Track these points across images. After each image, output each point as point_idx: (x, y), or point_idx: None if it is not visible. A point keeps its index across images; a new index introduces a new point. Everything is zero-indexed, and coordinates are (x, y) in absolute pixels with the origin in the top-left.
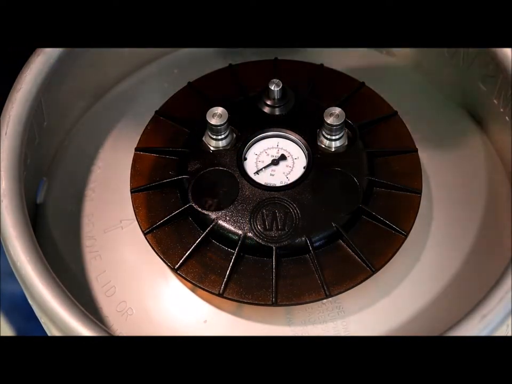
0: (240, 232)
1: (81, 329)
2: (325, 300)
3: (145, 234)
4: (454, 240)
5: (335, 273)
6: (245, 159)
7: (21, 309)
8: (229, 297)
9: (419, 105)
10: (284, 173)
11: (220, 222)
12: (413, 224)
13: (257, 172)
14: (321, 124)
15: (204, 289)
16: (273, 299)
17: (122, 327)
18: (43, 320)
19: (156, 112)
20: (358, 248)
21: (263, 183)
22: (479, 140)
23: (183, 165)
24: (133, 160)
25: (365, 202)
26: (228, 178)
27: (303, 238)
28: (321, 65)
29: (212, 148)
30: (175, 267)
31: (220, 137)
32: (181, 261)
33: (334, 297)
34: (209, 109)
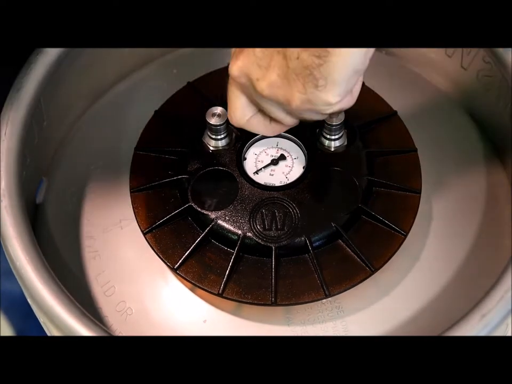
0: (239, 232)
1: (81, 329)
2: (324, 300)
3: (144, 234)
4: (453, 240)
5: (335, 273)
6: (245, 158)
7: (20, 307)
8: (229, 297)
9: (418, 105)
10: (283, 172)
11: (219, 221)
12: (412, 224)
13: (256, 172)
14: (321, 123)
15: (203, 289)
16: (273, 299)
17: (122, 326)
18: (42, 320)
19: (156, 112)
20: (357, 248)
21: (262, 183)
22: (479, 140)
23: (183, 164)
24: (132, 160)
25: (365, 202)
26: (227, 178)
27: (303, 238)
28: None
29: (211, 148)
30: (175, 267)
31: (219, 137)
32: (180, 261)
33: (333, 297)
34: (208, 108)
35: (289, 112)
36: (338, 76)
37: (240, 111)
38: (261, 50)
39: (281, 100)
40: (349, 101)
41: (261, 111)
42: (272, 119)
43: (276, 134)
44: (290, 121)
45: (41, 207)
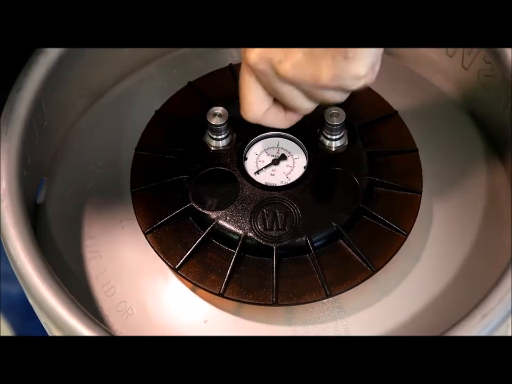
0: (240, 232)
1: (81, 328)
2: (325, 300)
3: (145, 234)
4: (454, 240)
5: (336, 273)
6: (245, 158)
7: (19, 310)
8: (230, 297)
9: (419, 105)
10: (284, 172)
11: (220, 221)
12: (413, 224)
13: (257, 172)
14: (322, 123)
15: (204, 289)
16: (274, 299)
17: (123, 326)
18: (43, 319)
19: (156, 112)
20: (358, 248)
21: (263, 182)
22: (480, 140)
23: (184, 164)
24: (133, 160)
25: (365, 202)
26: (228, 178)
27: (304, 238)
28: None
29: (212, 148)
30: (176, 267)
31: (220, 137)
32: (181, 261)
33: (334, 297)
34: (209, 108)
35: (311, 95)
36: None
37: (256, 104)
38: None
39: (307, 79)
40: (371, 77)
41: (276, 102)
42: (287, 109)
43: (291, 125)
44: (308, 106)
45: (42, 207)
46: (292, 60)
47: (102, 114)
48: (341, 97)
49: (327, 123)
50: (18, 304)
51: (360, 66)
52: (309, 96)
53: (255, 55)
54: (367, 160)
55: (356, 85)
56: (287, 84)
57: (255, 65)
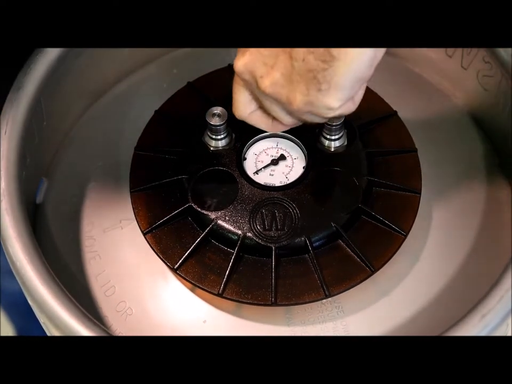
0: (239, 232)
1: (81, 329)
2: (324, 300)
3: (144, 234)
4: (453, 240)
5: (335, 273)
6: (245, 159)
7: (21, 306)
8: (229, 297)
9: (418, 105)
10: (283, 173)
11: (219, 222)
12: (412, 224)
13: (256, 172)
14: (321, 124)
15: (203, 289)
16: (273, 299)
17: (122, 326)
18: (42, 320)
19: (156, 112)
20: (357, 248)
21: (262, 183)
22: (478, 140)
23: (183, 164)
24: (132, 160)
25: (365, 202)
26: (227, 178)
27: (303, 238)
28: None
29: (211, 148)
30: (175, 267)
31: (219, 137)
32: (180, 261)
33: (333, 297)
34: (208, 108)
35: (290, 112)
36: (342, 81)
37: (243, 105)
38: (268, 49)
39: (283, 99)
40: (350, 107)
41: (263, 107)
42: (273, 116)
43: (276, 131)
44: (290, 121)
45: (41, 207)
46: (271, 78)
47: (102, 114)
48: (319, 120)
49: (326, 123)
50: (20, 302)
51: (333, 99)
52: (289, 113)
53: (240, 64)
54: (366, 160)
55: (330, 114)
56: (268, 98)
57: (240, 74)
